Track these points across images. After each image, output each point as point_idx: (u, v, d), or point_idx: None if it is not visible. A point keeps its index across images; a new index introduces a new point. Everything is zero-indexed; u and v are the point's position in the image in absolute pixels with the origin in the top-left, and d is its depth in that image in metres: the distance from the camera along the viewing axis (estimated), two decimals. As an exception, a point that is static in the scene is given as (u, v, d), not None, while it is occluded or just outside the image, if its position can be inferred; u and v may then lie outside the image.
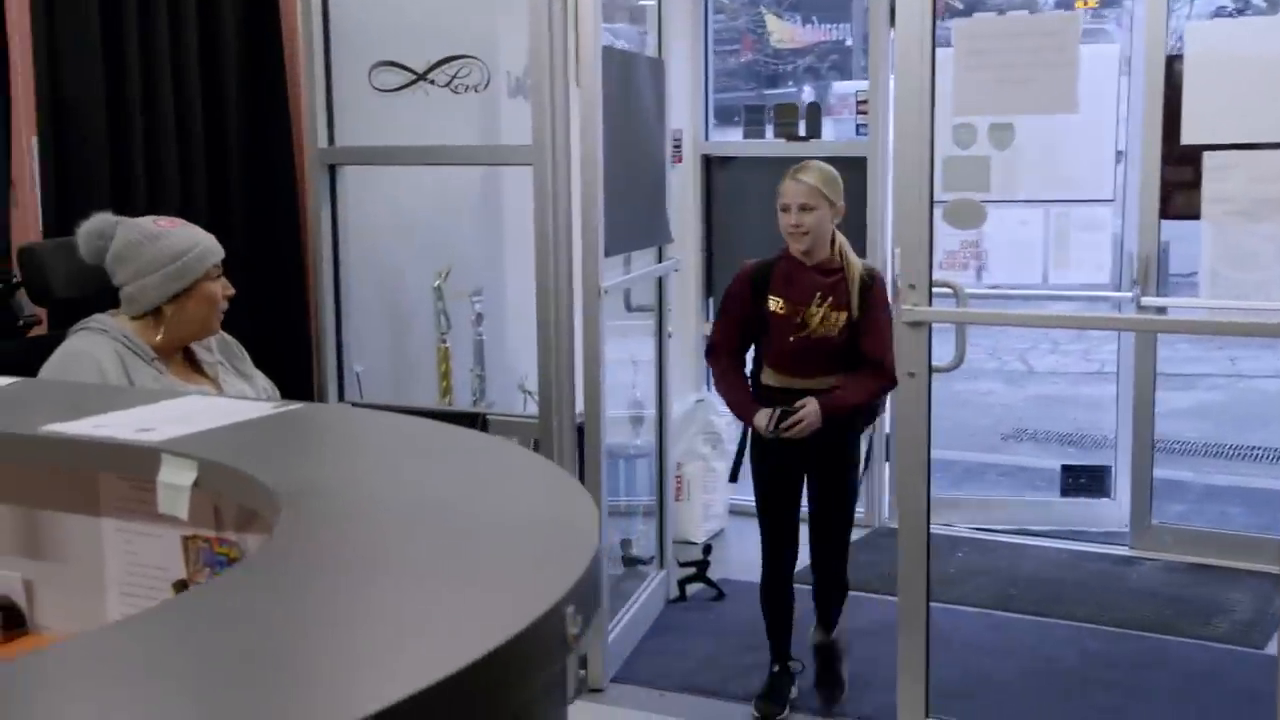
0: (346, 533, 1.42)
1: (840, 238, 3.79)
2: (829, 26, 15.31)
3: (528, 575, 1.30)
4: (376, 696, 0.98)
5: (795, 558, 3.98)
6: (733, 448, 5.75)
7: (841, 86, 13.88)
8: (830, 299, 3.71)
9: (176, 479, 1.74)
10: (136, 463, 1.80)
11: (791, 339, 3.73)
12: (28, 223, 3.54)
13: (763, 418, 3.74)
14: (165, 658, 1.12)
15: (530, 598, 1.20)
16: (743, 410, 3.87)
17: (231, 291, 2.97)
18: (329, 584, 1.28)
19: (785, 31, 15.34)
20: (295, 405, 2.01)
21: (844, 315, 3.71)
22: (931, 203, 3.43)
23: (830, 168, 3.78)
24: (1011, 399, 8.33)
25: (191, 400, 2.12)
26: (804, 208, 3.69)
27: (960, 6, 5.53)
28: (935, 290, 3.46)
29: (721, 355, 3.92)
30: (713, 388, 5.99)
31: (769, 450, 3.85)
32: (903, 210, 3.47)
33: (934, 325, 3.48)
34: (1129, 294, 4.80)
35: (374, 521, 1.47)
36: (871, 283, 3.75)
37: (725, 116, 6.70)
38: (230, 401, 2.25)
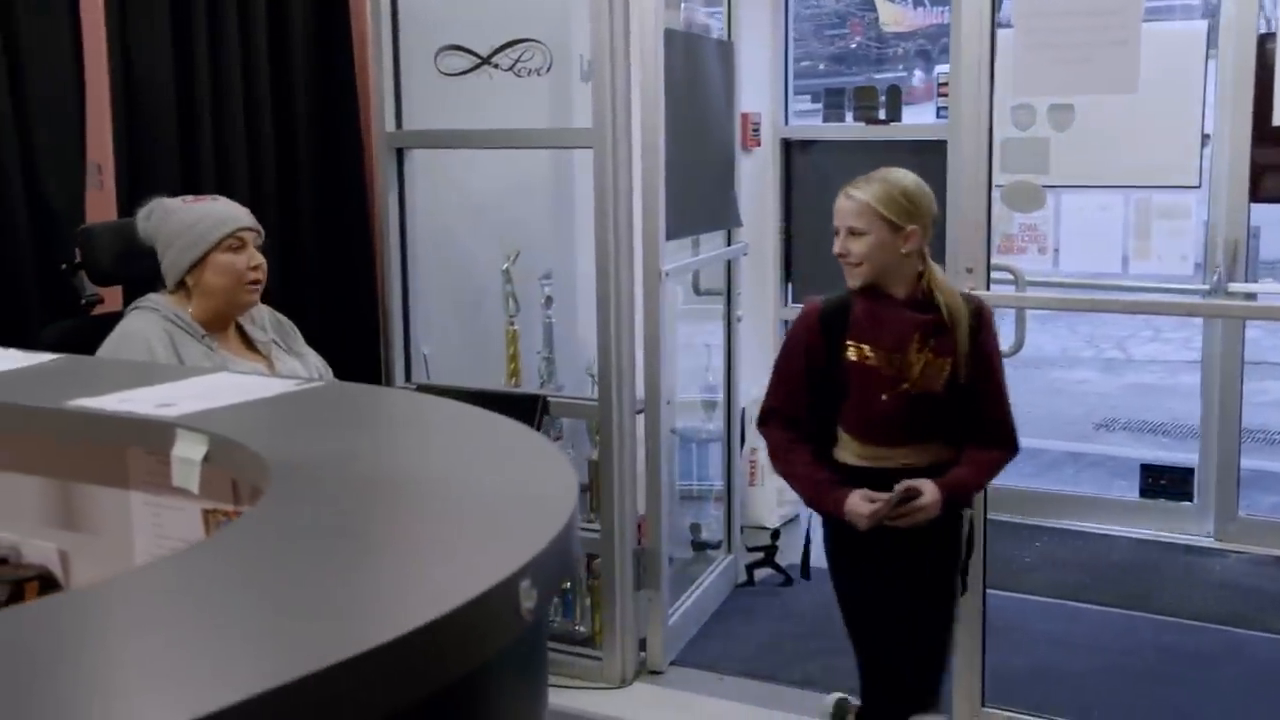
0: (326, 504, 1.47)
1: (932, 267, 3.01)
2: (940, 9, 15.18)
3: (487, 548, 1.33)
4: (325, 655, 1.03)
5: (906, 678, 3.17)
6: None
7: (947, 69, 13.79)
8: (932, 342, 2.93)
9: (188, 453, 1.80)
10: (154, 437, 1.87)
11: (885, 397, 2.91)
12: (108, 206, 3.67)
13: (863, 505, 2.91)
14: (176, 603, 1.19)
15: (484, 570, 1.23)
16: (822, 495, 3.01)
17: (258, 263, 3.00)
18: (294, 553, 1.33)
19: (894, 15, 15.21)
20: (316, 385, 2.07)
21: (949, 363, 2.92)
22: (990, 185, 3.42)
23: (904, 180, 2.99)
24: (1107, 387, 8.20)
25: (216, 378, 2.20)
26: (852, 232, 2.97)
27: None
28: (995, 275, 3.45)
29: (778, 425, 3.11)
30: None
31: (853, 541, 3.02)
32: (960, 192, 3.47)
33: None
34: (1212, 280, 4.71)
35: (356, 494, 1.52)
36: (980, 322, 2.97)
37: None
38: (253, 379, 2.32)
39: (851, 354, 2.95)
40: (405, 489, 1.55)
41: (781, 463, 3.13)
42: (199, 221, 2.96)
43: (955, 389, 2.93)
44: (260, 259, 3.02)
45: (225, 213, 3.01)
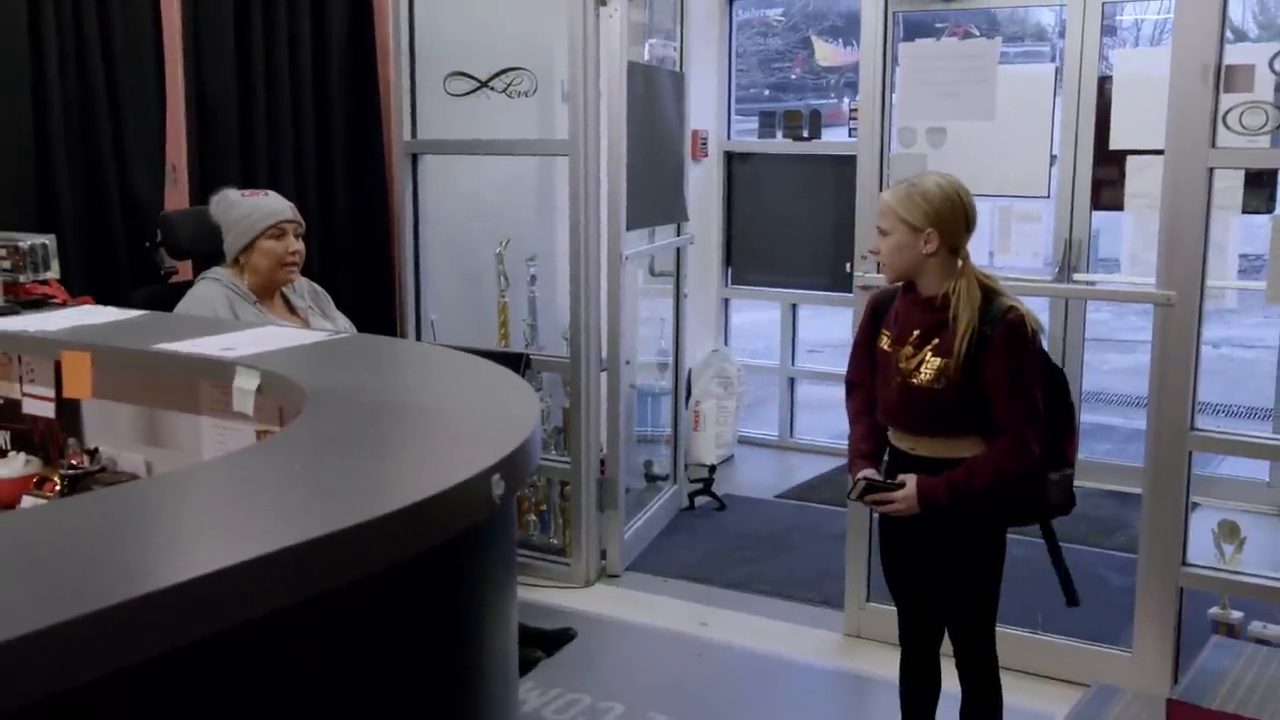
0: (349, 420, 1.63)
1: (969, 271, 2.54)
2: (864, 48, 15.27)
3: (469, 450, 1.49)
4: (358, 514, 1.20)
5: (931, 635, 2.78)
6: (742, 390, 5.96)
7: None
8: (935, 341, 2.53)
9: (245, 384, 1.96)
10: (219, 372, 2.02)
11: (892, 385, 2.59)
12: (181, 198, 3.79)
13: (855, 481, 2.64)
14: (238, 481, 1.35)
15: (466, 465, 1.40)
16: (850, 463, 2.71)
17: (295, 249, 3.09)
18: (328, 452, 1.49)
19: (828, 52, 15.30)
20: (343, 335, 2.21)
21: (947, 363, 2.50)
22: (882, 190, 3.56)
23: (926, 184, 2.54)
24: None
25: (266, 330, 2.35)
26: (881, 231, 2.60)
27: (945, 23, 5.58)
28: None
29: (850, 394, 2.77)
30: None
31: (883, 519, 2.73)
32: (862, 196, 3.62)
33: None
34: (1053, 271, 4.89)
35: (372, 413, 1.68)
36: (992, 334, 2.47)
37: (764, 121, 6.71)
38: (293, 330, 2.47)
39: (882, 341, 2.64)
40: (410, 410, 1.71)
41: (849, 428, 2.78)
42: (251, 213, 3.08)
43: (966, 390, 2.49)
44: (298, 245, 3.12)
45: (272, 206, 3.12)
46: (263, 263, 3.04)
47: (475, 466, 1.39)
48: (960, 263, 2.55)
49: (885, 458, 2.71)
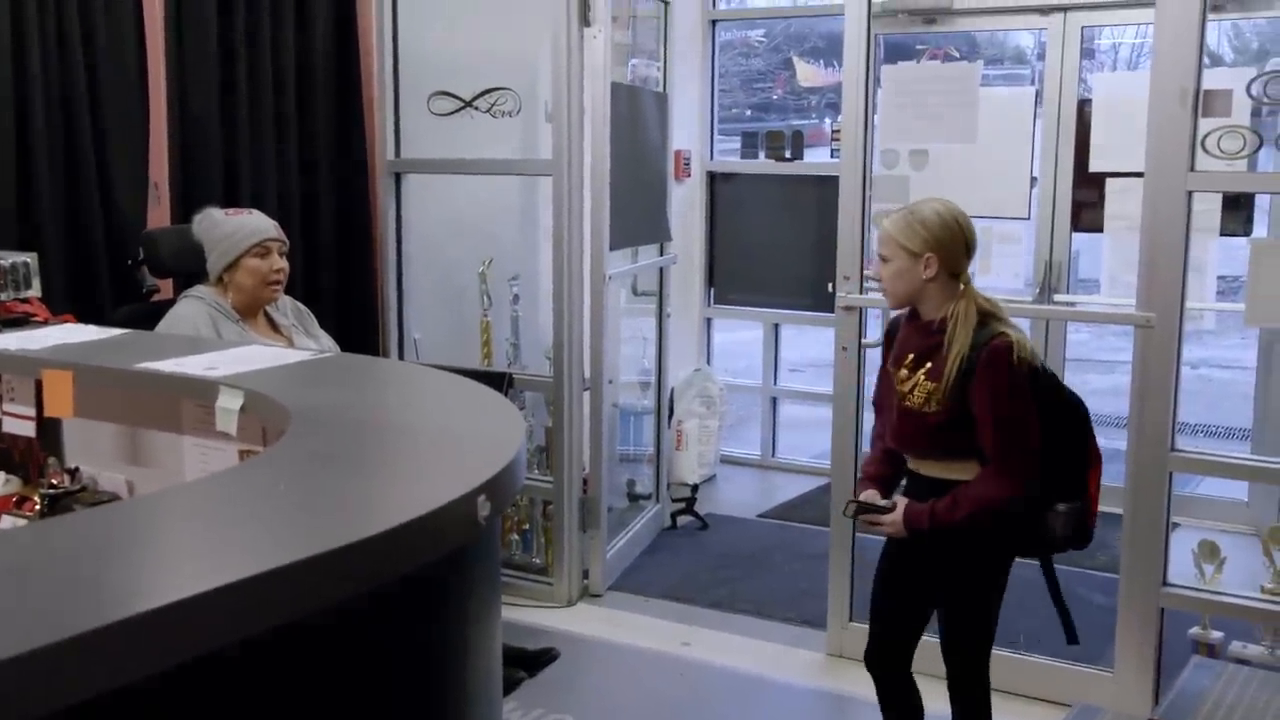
0: (334, 440, 1.63)
1: (969, 296, 2.56)
2: (844, 69, 15.37)
3: (455, 471, 1.49)
4: (336, 538, 1.19)
5: (902, 659, 2.77)
6: (725, 409, 5.97)
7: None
8: (929, 365, 2.55)
9: (228, 404, 1.95)
10: (202, 391, 2.01)
11: (894, 406, 2.63)
12: (164, 216, 3.77)
13: (848, 502, 2.74)
14: (220, 502, 1.34)
15: (452, 486, 1.39)
16: (857, 483, 2.80)
17: (280, 267, 3.09)
18: (313, 472, 1.48)
19: (809, 73, 15.38)
20: (327, 354, 2.21)
21: (937, 388, 2.52)
22: (865, 211, 3.59)
23: (924, 210, 2.57)
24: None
25: (250, 349, 2.34)
26: (882, 258, 2.62)
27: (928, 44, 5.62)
28: (869, 285, 3.62)
29: (878, 414, 2.79)
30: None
31: (889, 540, 2.74)
32: (844, 217, 3.63)
33: (866, 309, 3.64)
34: (1034, 291, 4.92)
35: (356, 432, 1.67)
36: (976, 360, 2.47)
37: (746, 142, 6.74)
38: (277, 350, 2.45)
39: (890, 364, 2.67)
40: (395, 430, 1.70)
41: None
42: (235, 231, 3.08)
43: (957, 414, 2.50)
44: (281, 264, 3.11)
45: (256, 225, 3.12)
46: (247, 281, 3.03)
47: (461, 487, 1.38)
48: (961, 287, 2.57)
49: (904, 480, 2.71)
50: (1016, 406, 2.48)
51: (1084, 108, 4.82)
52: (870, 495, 2.67)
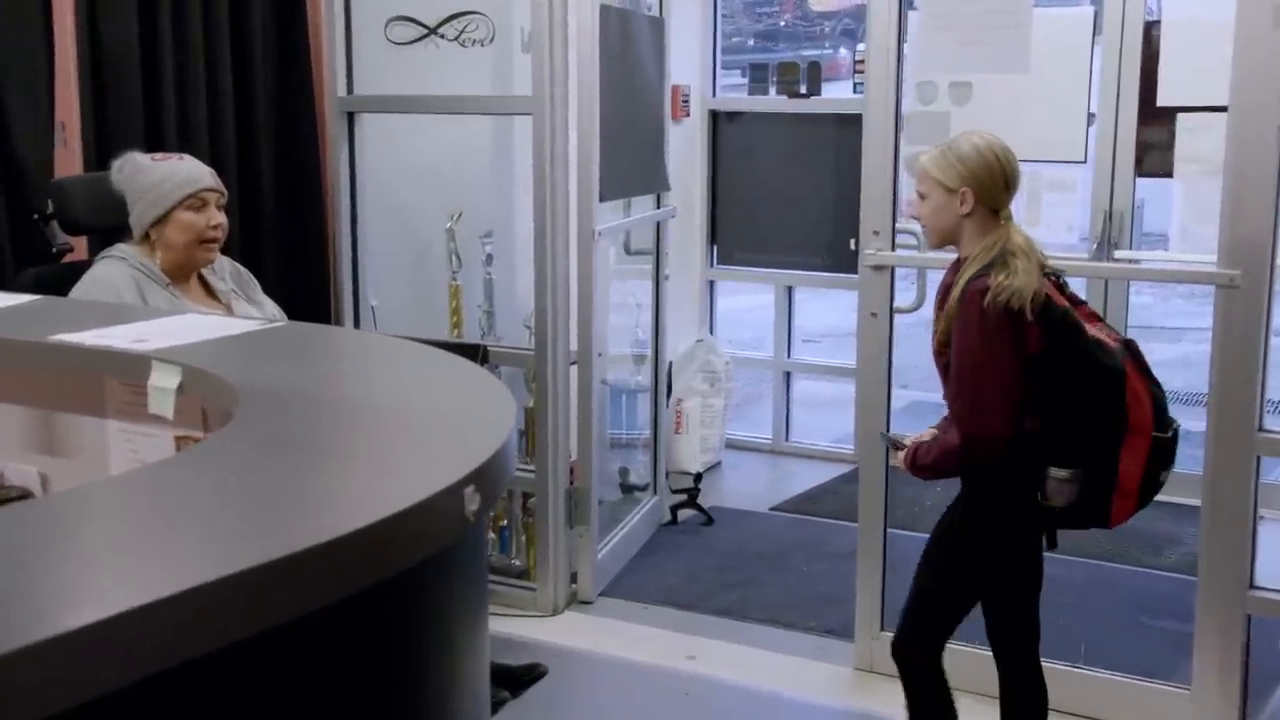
0: (292, 423, 1.59)
1: (1007, 232, 2.70)
2: (865, -11, 15.34)
3: (437, 459, 1.45)
4: (301, 539, 1.14)
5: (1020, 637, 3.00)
6: (731, 386, 5.95)
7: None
8: (943, 305, 2.76)
9: (163, 382, 1.90)
10: (131, 368, 1.97)
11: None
12: (74, 162, 3.72)
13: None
14: (155, 497, 1.30)
15: (434, 476, 1.36)
16: None
17: (217, 222, 3.05)
18: (268, 463, 1.45)
19: (822, -6, 15.36)
20: (276, 324, 2.17)
21: (937, 323, 2.77)
22: (896, 155, 3.56)
23: (961, 142, 2.75)
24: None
25: (185, 318, 2.30)
26: (920, 195, 2.81)
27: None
28: (900, 239, 3.60)
29: None
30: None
31: None
32: (870, 162, 3.60)
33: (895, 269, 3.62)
34: (1091, 247, 4.90)
35: (319, 414, 1.64)
36: (961, 297, 2.66)
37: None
38: (217, 319, 2.42)
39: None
40: (362, 412, 1.67)
41: None
42: (165, 180, 3.03)
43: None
44: (220, 218, 3.07)
45: (189, 173, 3.07)
46: (179, 238, 2.99)
47: (445, 478, 1.35)
48: (1002, 224, 2.71)
49: None
50: (978, 350, 2.62)
51: (1151, 31, 4.79)
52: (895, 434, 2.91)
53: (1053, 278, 2.73)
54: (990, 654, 3.01)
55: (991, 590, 2.90)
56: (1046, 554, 2.86)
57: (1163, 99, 4.69)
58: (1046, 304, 2.61)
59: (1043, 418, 2.65)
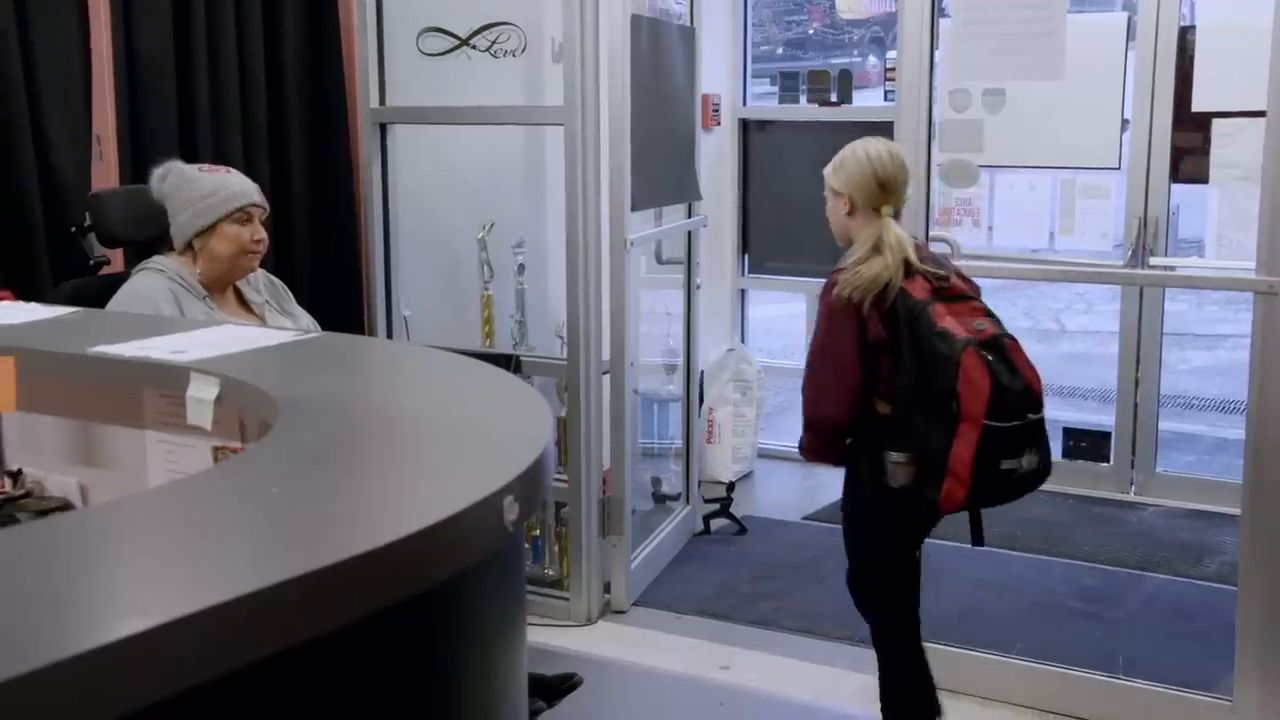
0: (331, 434, 1.59)
1: (883, 230, 2.88)
2: (893, -2, 15.28)
3: (476, 468, 1.45)
4: (341, 549, 1.14)
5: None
6: (763, 395, 5.93)
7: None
8: None
9: (202, 393, 1.92)
10: (170, 379, 1.98)
11: None
12: (110, 175, 3.75)
13: None
14: (196, 509, 1.30)
15: (473, 486, 1.35)
16: None
17: (261, 237, 3.10)
18: (309, 472, 1.45)
19: (850, 2, 15.29)
20: (312, 335, 2.18)
21: None
22: (929, 163, 3.54)
23: (849, 148, 3.01)
24: (1041, 356, 8.34)
25: (222, 329, 2.31)
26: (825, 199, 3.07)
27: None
28: (933, 246, 3.57)
29: None
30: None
31: None
32: (903, 169, 3.58)
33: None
34: (1126, 254, 4.86)
35: (359, 425, 1.64)
36: (823, 288, 2.94)
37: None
38: (255, 329, 2.43)
39: None
40: (402, 421, 1.67)
41: None
42: (215, 192, 3.06)
43: None
44: (263, 233, 3.12)
45: (239, 187, 3.11)
46: (223, 249, 3.02)
47: (485, 487, 1.35)
48: (881, 221, 2.90)
49: None
50: (821, 337, 2.90)
51: (1186, 35, 4.75)
52: None
53: (929, 274, 2.83)
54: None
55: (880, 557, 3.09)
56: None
57: (1198, 104, 4.66)
58: (899, 296, 2.78)
59: (892, 403, 2.83)
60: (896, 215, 2.96)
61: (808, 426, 2.96)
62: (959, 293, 2.87)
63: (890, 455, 2.84)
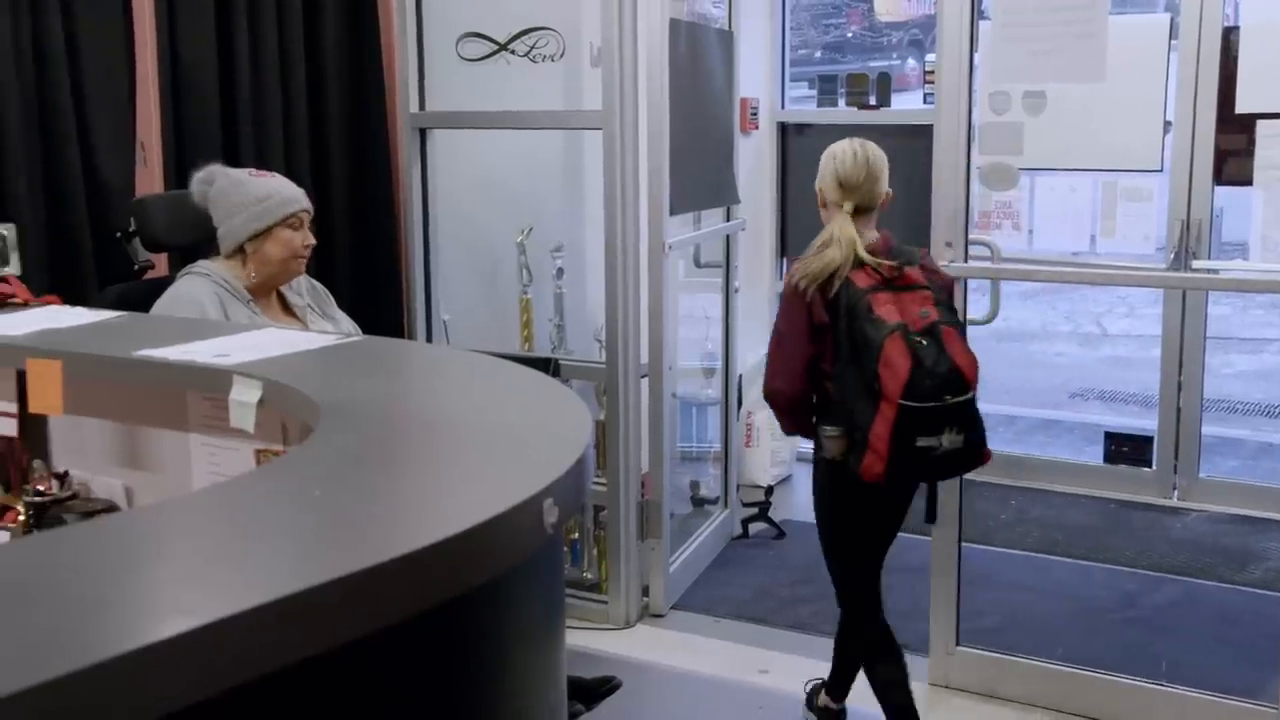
0: (373, 436, 1.60)
1: (830, 226, 3.12)
2: (932, 0, 15.20)
3: (515, 471, 1.46)
4: (383, 551, 1.16)
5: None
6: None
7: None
8: None
9: (244, 396, 1.93)
10: (213, 382, 2.00)
11: None
12: (154, 181, 3.79)
13: None
14: (239, 511, 1.32)
15: (513, 488, 1.36)
16: None
17: (311, 243, 3.13)
18: (350, 475, 1.46)
19: (889, 5, 15.25)
20: (353, 339, 2.19)
21: None
22: (969, 166, 3.53)
23: (828, 148, 3.23)
24: (1083, 360, 8.31)
25: (265, 333, 2.33)
26: None
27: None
28: (972, 250, 3.56)
29: None
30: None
31: None
32: (942, 173, 3.57)
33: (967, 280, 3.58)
34: (1169, 257, 4.81)
35: (395, 428, 1.66)
36: None
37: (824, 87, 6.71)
38: (296, 333, 2.44)
39: None
40: (442, 424, 1.68)
41: None
42: (269, 196, 3.08)
43: None
44: (312, 238, 3.15)
45: (291, 192, 3.14)
46: (277, 253, 3.05)
47: (524, 490, 1.36)
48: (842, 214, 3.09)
49: None
50: (778, 320, 3.14)
51: (1230, 36, 4.70)
52: None
53: (879, 266, 3.00)
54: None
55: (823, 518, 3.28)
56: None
57: (1241, 106, 4.59)
58: (844, 285, 2.98)
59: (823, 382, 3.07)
60: (866, 210, 3.14)
61: (765, 399, 3.20)
62: (911, 283, 3.02)
63: (824, 429, 3.09)
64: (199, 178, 3.16)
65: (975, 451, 3.00)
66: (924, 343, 2.88)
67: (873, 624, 3.35)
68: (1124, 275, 4.54)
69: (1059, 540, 4.86)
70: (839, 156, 3.17)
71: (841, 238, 3.03)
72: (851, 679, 3.46)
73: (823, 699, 3.53)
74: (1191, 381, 5.18)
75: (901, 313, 2.93)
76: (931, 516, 3.35)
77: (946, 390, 2.87)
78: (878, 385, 2.88)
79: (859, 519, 3.21)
